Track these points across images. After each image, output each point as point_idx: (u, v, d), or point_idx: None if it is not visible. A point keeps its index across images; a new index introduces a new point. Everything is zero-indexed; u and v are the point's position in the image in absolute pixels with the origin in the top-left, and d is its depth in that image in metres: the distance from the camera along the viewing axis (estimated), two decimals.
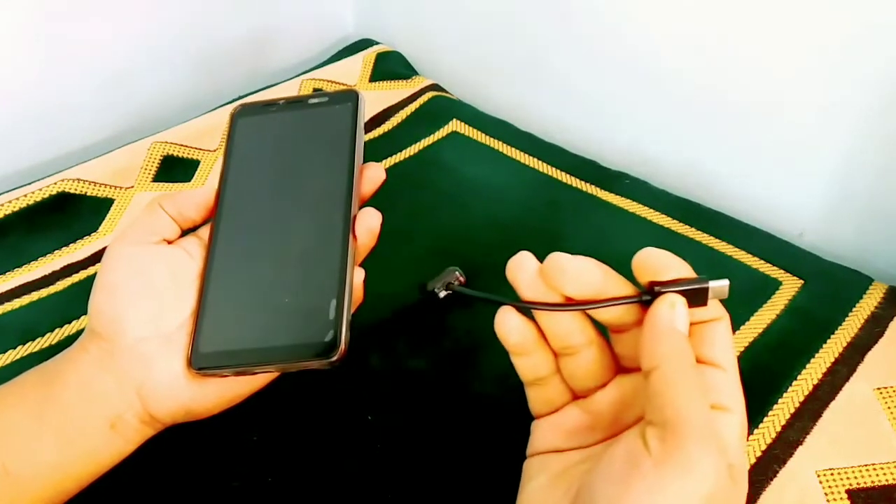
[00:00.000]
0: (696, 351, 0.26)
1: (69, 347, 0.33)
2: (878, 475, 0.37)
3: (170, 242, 0.34)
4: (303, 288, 0.32)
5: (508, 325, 0.28)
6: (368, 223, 0.34)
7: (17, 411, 0.30)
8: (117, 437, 0.31)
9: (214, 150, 0.59)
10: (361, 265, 0.35)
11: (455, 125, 0.62)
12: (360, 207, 0.35)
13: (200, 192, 0.35)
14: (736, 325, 0.44)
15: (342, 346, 0.30)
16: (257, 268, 0.33)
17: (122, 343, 0.31)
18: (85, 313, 0.45)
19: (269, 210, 0.35)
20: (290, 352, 0.31)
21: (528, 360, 0.29)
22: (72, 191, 0.53)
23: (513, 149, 0.60)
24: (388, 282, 0.46)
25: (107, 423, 0.31)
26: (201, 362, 0.31)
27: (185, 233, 0.35)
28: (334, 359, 0.30)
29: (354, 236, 0.34)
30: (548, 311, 0.28)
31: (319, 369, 0.31)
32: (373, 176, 0.36)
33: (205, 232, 0.35)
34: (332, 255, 0.33)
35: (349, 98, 0.37)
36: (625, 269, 0.48)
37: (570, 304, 0.27)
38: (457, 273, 0.37)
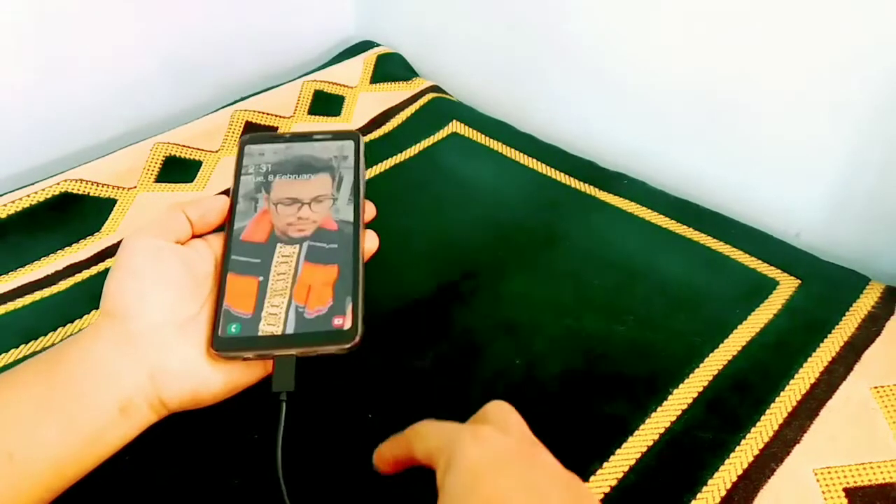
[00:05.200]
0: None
1: (77, 334, 0.33)
2: (875, 474, 0.37)
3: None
4: None
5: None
6: (370, 245, 0.39)
7: (21, 396, 0.31)
8: (125, 421, 0.32)
9: (216, 151, 0.59)
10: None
11: (455, 126, 0.63)
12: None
13: (220, 200, 0.39)
14: (733, 325, 0.45)
15: (357, 335, 0.34)
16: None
17: (140, 325, 0.32)
18: (87, 313, 0.45)
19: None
20: (309, 338, 0.34)
21: None
22: (74, 191, 0.53)
23: (512, 149, 0.60)
24: (389, 282, 0.46)
25: (117, 405, 0.31)
26: (224, 346, 0.34)
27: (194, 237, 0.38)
28: (349, 345, 0.34)
29: (362, 243, 0.38)
30: None
31: (336, 354, 0.35)
32: (369, 210, 0.40)
33: (213, 239, 0.38)
34: (346, 258, 0.37)
35: (351, 137, 0.42)
36: (623, 268, 0.49)
37: None
38: None
